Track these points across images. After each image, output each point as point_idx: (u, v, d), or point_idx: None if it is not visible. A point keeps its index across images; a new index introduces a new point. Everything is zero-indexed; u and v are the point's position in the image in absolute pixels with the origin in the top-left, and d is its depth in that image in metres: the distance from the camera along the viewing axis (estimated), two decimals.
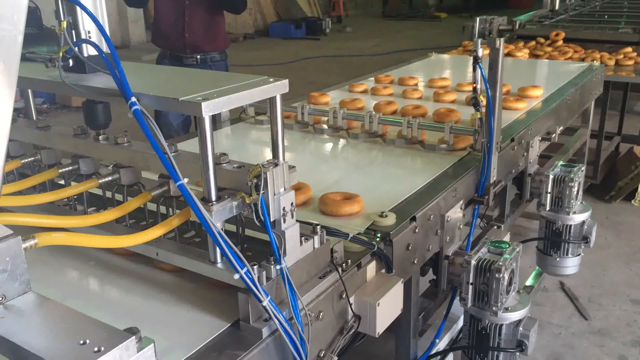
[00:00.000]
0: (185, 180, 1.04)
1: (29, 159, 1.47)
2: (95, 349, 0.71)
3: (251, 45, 12.76)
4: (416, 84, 3.09)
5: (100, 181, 1.33)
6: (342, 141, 2.27)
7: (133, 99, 1.07)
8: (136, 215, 1.33)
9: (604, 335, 2.91)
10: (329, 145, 2.26)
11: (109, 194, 1.41)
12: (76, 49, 1.26)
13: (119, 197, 1.38)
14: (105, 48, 1.26)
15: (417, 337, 1.78)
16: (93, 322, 0.77)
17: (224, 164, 1.18)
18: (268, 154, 1.28)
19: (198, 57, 3.78)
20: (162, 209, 1.31)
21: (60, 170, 1.39)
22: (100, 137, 1.39)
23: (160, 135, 1.05)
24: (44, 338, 0.74)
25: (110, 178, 1.34)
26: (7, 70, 0.77)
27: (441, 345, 2.45)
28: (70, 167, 1.40)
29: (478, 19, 5.08)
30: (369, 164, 2.06)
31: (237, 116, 2.60)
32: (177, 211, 1.27)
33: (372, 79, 3.25)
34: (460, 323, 2.22)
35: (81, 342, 0.72)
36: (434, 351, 1.89)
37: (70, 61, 1.30)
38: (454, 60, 4.09)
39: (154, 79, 1.35)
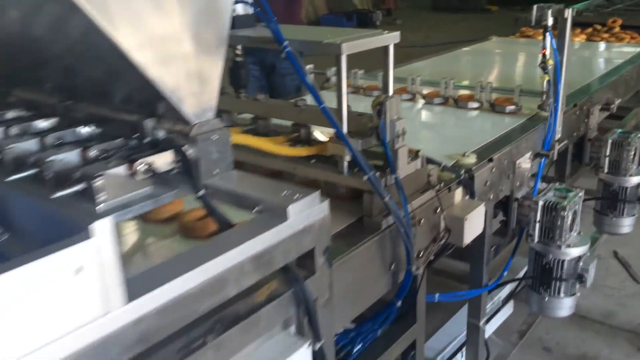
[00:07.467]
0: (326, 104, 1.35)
1: None
2: (295, 196, 1.03)
3: None
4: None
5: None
6: (418, 104, 2.55)
7: (286, 42, 1.39)
8: None
9: None
10: (407, 109, 2.55)
11: None
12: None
13: None
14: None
15: (488, 266, 2.05)
16: (286, 184, 1.09)
17: None
18: None
19: None
20: None
21: None
22: (242, 94, 1.73)
23: (305, 68, 1.37)
24: (257, 190, 1.06)
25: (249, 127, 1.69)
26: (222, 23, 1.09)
27: (502, 294, 2.72)
28: None
29: (535, 6, 5.27)
30: (444, 122, 2.34)
31: (320, 85, 2.92)
32: None
33: None
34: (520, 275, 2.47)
35: (283, 193, 1.05)
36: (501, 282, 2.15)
37: None
38: (512, 43, 4.29)
39: (295, 32, 1.64)
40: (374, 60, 2.65)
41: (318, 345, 1.11)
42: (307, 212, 1.03)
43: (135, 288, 0.79)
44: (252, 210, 1.03)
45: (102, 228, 0.72)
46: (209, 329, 0.92)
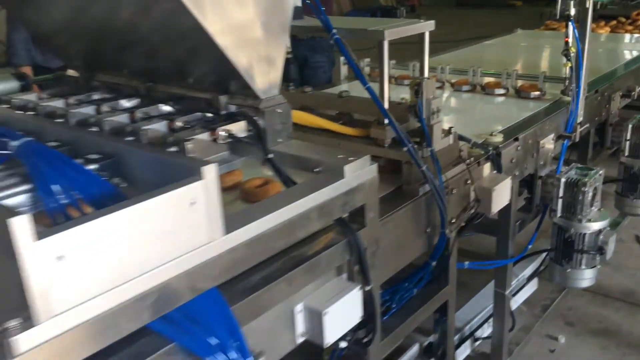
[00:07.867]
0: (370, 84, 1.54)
1: None
2: (350, 158, 1.22)
3: None
4: None
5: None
6: (447, 91, 2.71)
7: (334, 30, 1.57)
8: None
9: None
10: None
11: None
12: None
13: None
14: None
15: (514, 240, 2.21)
16: (339, 150, 1.28)
17: None
18: None
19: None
20: None
21: None
22: (290, 88, 1.93)
23: (353, 54, 1.55)
24: (316, 154, 1.25)
25: None
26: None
27: (527, 272, 2.87)
28: None
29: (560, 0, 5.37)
30: (473, 107, 2.50)
31: (354, 75, 3.10)
32: None
33: None
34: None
35: (339, 156, 1.23)
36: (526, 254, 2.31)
37: None
38: (537, 35, 4.41)
39: (340, 22, 1.82)
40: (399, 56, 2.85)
41: (368, 288, 1.30)
42: (359, 172, 1.22)
43: (230, 224, 0.98)
44: (312, 170, 1.22)
45: (210, 171, 0.92)
46: (283, 264, 1.11)
